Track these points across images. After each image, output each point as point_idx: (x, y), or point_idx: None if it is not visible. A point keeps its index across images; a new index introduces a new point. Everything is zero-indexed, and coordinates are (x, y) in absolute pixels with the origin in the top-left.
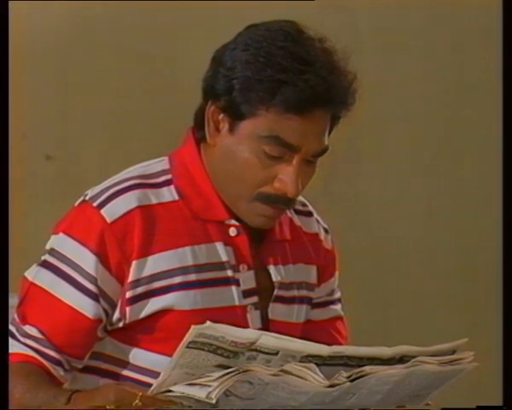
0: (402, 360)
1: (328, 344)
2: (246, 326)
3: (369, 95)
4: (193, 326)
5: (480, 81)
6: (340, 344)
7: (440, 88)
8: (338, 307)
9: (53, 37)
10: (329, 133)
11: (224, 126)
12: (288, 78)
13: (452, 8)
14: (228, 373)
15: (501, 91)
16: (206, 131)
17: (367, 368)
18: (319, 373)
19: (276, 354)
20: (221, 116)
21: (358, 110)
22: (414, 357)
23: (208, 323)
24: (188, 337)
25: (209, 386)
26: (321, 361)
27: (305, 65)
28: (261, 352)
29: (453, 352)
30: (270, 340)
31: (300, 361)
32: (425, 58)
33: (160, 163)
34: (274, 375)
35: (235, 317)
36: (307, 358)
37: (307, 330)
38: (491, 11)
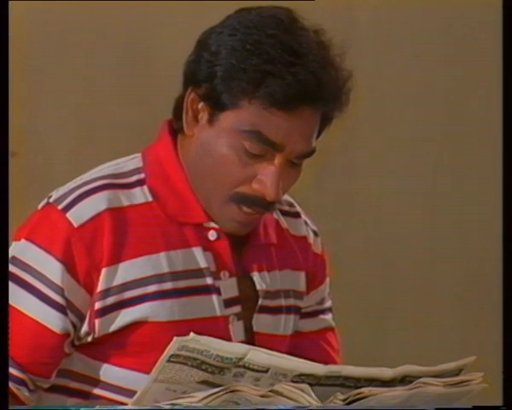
0: (403, 380)
1: (318, 358)
2: (228, 339)
3: (366, 90)
4: (175, 338)
5: (481, 78)
6: (331, 358)
7: (440, 85)
8: (329, 316)
9: (17, 29)
10: (319, 134)
11: (204, 116)
12: (274, 69)
13: (453, 5)
14: (213, 394)
15: (501, 88)
16: (184, 121)
17: (365, 390)
18: (313, 395)
19: (266, 371)
20: (201, 105)
21: (355, 104)
22: (416, 377)
23: (192, 335)
24: (169, 350)
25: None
26: (315, 381)
27: (294, 57)
28: (249, 369)
29: (460, 371)
30: (259, 356)
31: (292, 381)
32: (424, 55)
33: (132, 161)
34: (263, 396)
35: (215, 329)
36: (300, 377)
37: (295, 343)
38: (493, 8)
